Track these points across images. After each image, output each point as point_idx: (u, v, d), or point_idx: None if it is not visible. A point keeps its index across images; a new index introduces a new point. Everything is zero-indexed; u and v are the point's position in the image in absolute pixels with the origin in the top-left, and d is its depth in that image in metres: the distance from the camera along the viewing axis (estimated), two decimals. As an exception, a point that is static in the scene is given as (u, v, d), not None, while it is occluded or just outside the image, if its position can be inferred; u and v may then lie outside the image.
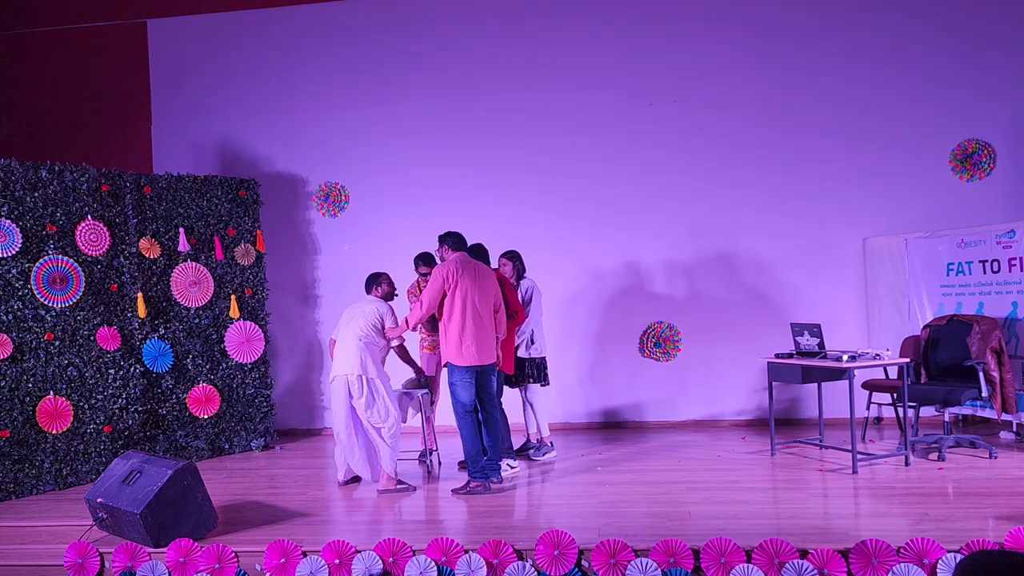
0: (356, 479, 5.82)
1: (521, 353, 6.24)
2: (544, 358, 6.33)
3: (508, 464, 5.91)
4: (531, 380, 6.28)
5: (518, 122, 7.90)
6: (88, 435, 6.27)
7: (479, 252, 5.91)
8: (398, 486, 5.52)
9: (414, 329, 5.67)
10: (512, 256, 6.39)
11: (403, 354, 5.95)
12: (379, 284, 5.84)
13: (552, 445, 6.45)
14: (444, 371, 5.72)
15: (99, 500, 4.60)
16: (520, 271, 6.39)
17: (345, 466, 5.74)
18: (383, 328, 5.62)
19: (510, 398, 6.45)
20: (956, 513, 4.48)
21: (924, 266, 6.98)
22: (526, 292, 6.30)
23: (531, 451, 6.44)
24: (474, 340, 5.39)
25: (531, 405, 6.38)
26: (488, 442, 5.63)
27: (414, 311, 5.51)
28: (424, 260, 6.34)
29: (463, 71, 8.00)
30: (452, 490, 5.45)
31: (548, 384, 6.39)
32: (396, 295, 5.91)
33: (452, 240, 5.65)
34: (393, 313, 5.73)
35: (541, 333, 6.35)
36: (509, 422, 6.12)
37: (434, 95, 8.02)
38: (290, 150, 8.18)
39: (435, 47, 8.04)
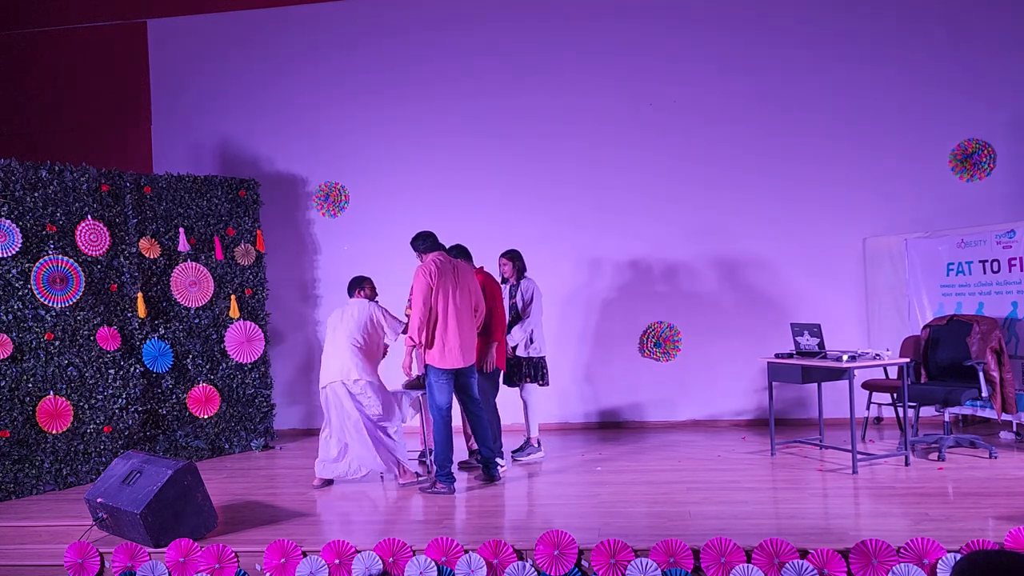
0: (330, 482, 5.79)
1: (519, 352, 6.25)
2: (543, 358, 6.31)
3: (498, 462, 6.00)
4: (528, 379, 6.27)
5: (518, 123, 7.90)
6: (88, 435, 6.27)
7: (462, 253, 5.92)
8: (418, 478, 5.62)
9: (420, 339, 5.38)
10: (512, 256, 6.37)
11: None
12: (362, 287, 5.85)
13: (539, 445, 6.40)
14: None
15: (99, 500, 4.60)
16: (520, 271, 6.37)
17: (322, 467, 5.74)
18: (375, 326, 5.63)
19: (510, 398, 6.45)
20: (956, 513, 4.48)
21: (924, 266, 6.98)
22: (527, 292, 6.28)
23: (515, 452, 6.39)
24: (457, 341, 5.34)
25: (525, 403, 6.36)
26: (477, 442, 5.66)
27: (412, 321, 5.37)
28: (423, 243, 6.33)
29: (463, 72, 7.99)
30: (420, 487, 5.49)
31: (546, 384, 6.36)
32: (376, 300, 5.89)
33: (424, 242, 5.53)
34: (382, 308, 5.73)
35: (541, 333, 6.32)
36: (507, 422, 6.11)
37: (434, 96, 8.02)
38: (290, 150, 8.18)
39: (435, 48, 8.04)
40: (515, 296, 6.32)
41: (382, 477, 5.79)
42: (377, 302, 5.82)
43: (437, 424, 5.44)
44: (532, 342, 6.25)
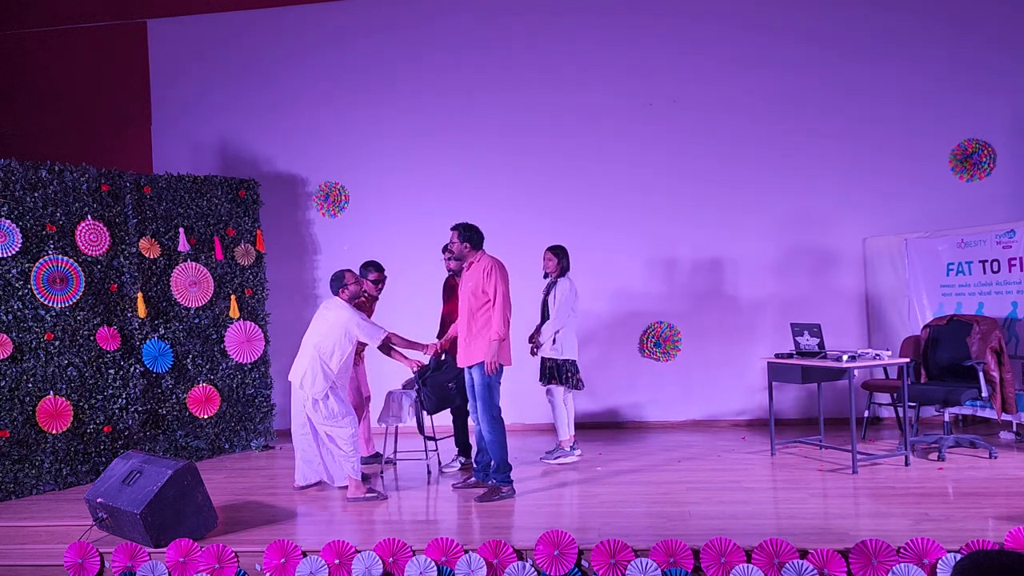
0: (318, 483, 5.74)
1: (544, 352, 6.17)
2: (568, 361, 6.14)
3: (461, 461, 6.18)
4: (554, 380, 6.16)
5: (518, 122, 7.91)
6: (88, 435, 6.27)
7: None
8: (367, 494, 5.37)
9: (504, 338, 5.22)
10: (557, 251, 6.22)
11: (390, 348, 5.70)
12: (344, 286, 5.56)
13: (570, 449, 6.22)
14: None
15: (99, 500, 4.60)
16: (563, 268, 6.21)
17: (303, 471, 5.68)
18: (348, 338, 5.40)
19: (538, 397, 6.43)
20: (956, 513, 4.49)
21: (924, 266, 6.98)
22: (559, 292, 6.14)
23: (545, 453, 6.31)
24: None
25: (552, 406, 6.24)
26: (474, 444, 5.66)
27: (500, 317, 5.17)
28: (375, 267, 6.23)
29: (463, 71, 8.00)
30: (476, 498, 5.23)
31: (573, 388, 6.19)
32: (365, 293, 5.72)
33: (480, 237, 5.43)
34: (363, 322, 5.45)
35: (569, 336, 6.16)
36: (515, 422, 6.07)
37: (434, 95, 8.03)
38: (290, 150, 8.18)
39: (435, 47, 8.04)
40: (549, 293, 6.21)
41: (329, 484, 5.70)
42: (356, 313, 5.52)
43: (500, 427, 5.29)
44: (555, 343, 6.12)
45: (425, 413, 5.92)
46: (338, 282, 5.58)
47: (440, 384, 5.87)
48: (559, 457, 6.22)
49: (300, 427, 5.58)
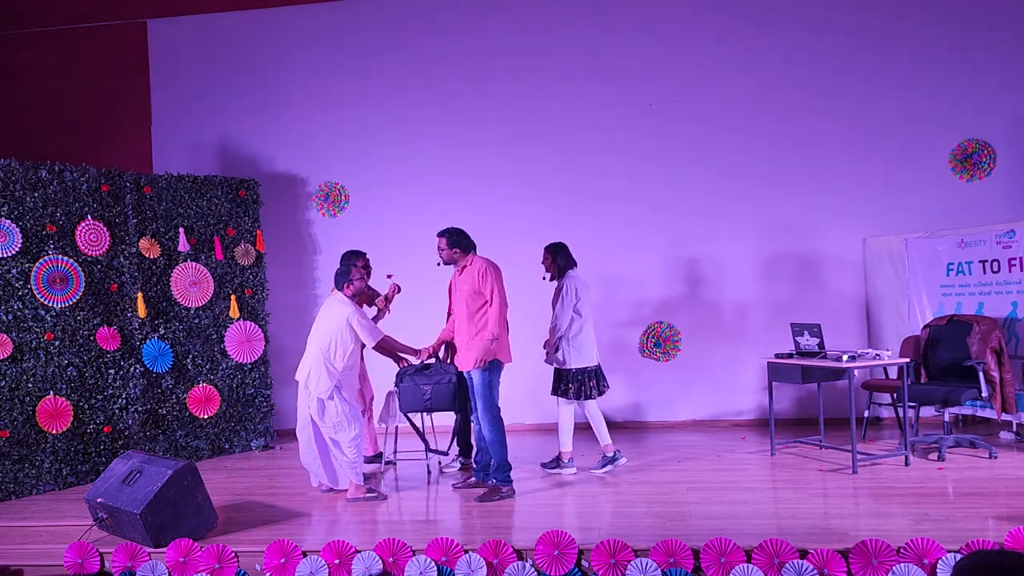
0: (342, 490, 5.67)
1: (545, 360, 5.94)
2: (575, 371, 5.72)
3: (461, 461, 6.15)
4: (558, 392, 5.86)
5: (517, 121, 7.91)
6: (88, 435, 6.27)
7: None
8: (367, 494, 5.35)
9: (497, 337, 5.21)
10: (551, 249, 5.87)
11: (387, 350, 5.64)
12: (350, 281, 5.45)
13: (571, 462, 5.91)
14: None
15: (99, 500, 4.60)
16: (561, 268, 5.83)
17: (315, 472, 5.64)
18: (351, 334, 5.32)
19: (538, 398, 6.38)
20: (956, 513, 4.49)
21: (924, 266, 6.98)
22: (559, 292, 5.82)
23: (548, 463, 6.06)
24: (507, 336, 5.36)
25: (559, 416, 5.94)
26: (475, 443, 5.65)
27: (493, 317, 5.17)
28: (359, 254, 6.15)
29: (463, 71, 8.00)
30: (476, 498, 5.22)
31: (577, 399, 5.77)
32: (369, 292, 5.70)
33: (469, 241, 5.41)
34: (363, 320, 5.39)
35: (579, 342, 5.73)
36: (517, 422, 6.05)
37: (434, 95, 8.03)
38: (290, 150, 8.18)
39: (435, 47, 8.04)
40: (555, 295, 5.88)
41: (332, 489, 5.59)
42: (357, 309, 5.45)
43: (499, 426, 5.27)
44: (557, 350, 5.77)
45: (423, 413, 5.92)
46: (344, 276, 5.51)
47: (415, 386, 5.74)
48: (559, 468, 5.92)
49: (303, 428, 5.50)
